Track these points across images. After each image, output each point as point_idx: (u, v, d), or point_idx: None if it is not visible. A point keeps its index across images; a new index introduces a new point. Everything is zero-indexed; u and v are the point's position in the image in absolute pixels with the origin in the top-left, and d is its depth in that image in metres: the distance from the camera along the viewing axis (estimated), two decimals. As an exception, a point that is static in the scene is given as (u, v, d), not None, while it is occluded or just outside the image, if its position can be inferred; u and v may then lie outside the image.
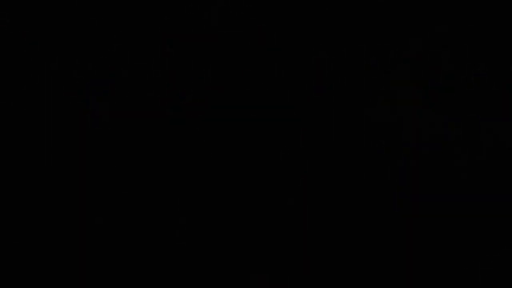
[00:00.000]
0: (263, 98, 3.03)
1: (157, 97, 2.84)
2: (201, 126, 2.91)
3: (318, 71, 3.02)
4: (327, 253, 2.79)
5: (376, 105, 2.88)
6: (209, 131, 2.91)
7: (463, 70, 3.27)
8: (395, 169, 2.81)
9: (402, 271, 2.72)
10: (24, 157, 2.74)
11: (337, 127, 2.90)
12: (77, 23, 2.83)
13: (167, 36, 2.94)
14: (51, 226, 2.72)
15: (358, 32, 3.16)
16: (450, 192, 2.71)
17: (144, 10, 2.92)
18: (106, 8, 2.86)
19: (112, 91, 2.82)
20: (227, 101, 2.98)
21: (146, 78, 2.83)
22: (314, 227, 2.81)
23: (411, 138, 2.82)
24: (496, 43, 3.08)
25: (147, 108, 2.82)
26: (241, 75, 3.04)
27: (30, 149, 2.75)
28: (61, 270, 2.69)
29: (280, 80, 3.08)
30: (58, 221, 2.72)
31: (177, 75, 2.90)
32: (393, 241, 2.75)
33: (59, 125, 2.78)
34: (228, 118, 2.95)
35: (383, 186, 2.80)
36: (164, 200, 2.82)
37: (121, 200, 2.76)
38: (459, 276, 2.69)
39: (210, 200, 2.81)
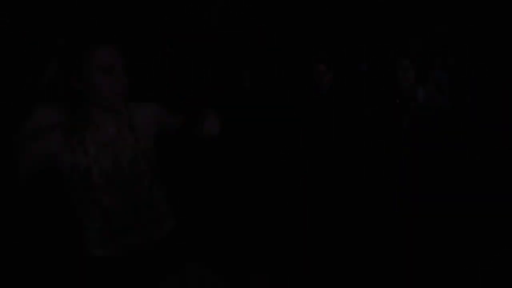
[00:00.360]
0: (263, 98, 3.03)
1: (157, 97, 2.83)
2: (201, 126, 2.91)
3: (318, 70, 3.02)
4: (327, 253, 2.79)
5: (375, 104, 2.88)
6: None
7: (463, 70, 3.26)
8: (395, 168, 2.81)
9: (402, 271, 2.72)
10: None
11: (337, 126, 2.89)
12: (77, 23, 2.83)
13: (167, 36, 2.94)
14: (51, 225, 2.72)
15: (358, 32, 3.16)
16: (449, 192, 2.70)
17: (144, 10, 2.91)
18: (106, 8, 2.86)
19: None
20: (227, 101, 2.98)
21: (146, 77, 2.83)
22: (314, 227, 2.81)
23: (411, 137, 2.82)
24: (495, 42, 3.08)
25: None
26: (241, 75, 3.04)
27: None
28: (61, 270, 2.68)
29: (280, 80, 3.08)
30: (59, 221, 2.72)
31: (177, 75, 2.90)
32: (393, 241, 2.75)
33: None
34: (228, 118, 2.95)
35: (383, 185, 2.79)
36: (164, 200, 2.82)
37: (121, 200, 2.75)
38: (459, 276, 2.69)
39: (210, 199, 2.81)
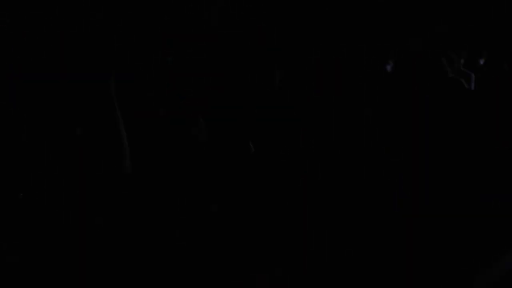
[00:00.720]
0: (263, 98, 3.02)
1: (157, 97, 2.84)
2: (201, 125, 2.91)
3: (318, 70, 3.02)
4: (327, 253, 2.79)
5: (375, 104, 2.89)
6: (209, 131, 2.91)
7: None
8: (394, 169, 2.81)
9: (402, 271, 2.72)
10: (23, 157, 2.74)
11: (337, 127, 2.90)
12: (77, 23, 2.83)
13: (167, 36, 2.94)
14: (52, 225, 2.72)
15: (358, 32, 3.16)
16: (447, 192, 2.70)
17: (144, 10, 2.92)
18: (107, 8, 2.86)
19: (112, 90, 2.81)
20: (227, 101, 2.98)
21: (146, 78, 2.83)
22: (315, 227, 2.81)
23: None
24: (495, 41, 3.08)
25: (147, 108, 2.82)
26: (241, 75, 3.04)
27: (29, 149, 2.75)
28: (61, 270, 2.68)
29: (280, 80, 3.08)
30: (59, 221, 2.72)
31: (177, 75, 2.91)
32: (393, 241, 2.75)
33: (58, 125, 2.78)
34: (228, 118, 2.96)
35: (383, 185, 2.80)
36: (165, 201, 2.82)
37: (123, 200, 2.76)
38: (459, 276, 2.69)
39: (211, 200, 2.81)
